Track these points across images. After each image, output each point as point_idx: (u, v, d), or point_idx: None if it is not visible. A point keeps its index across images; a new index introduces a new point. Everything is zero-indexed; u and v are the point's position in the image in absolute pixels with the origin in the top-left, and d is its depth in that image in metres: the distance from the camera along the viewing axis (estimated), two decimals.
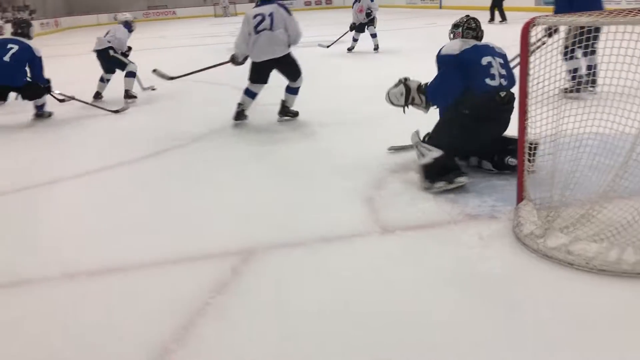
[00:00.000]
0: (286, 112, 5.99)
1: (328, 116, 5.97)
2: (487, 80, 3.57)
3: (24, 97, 6.58)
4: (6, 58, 6.24)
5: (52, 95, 6.71)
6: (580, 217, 2.87)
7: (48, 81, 6.64)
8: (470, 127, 3.56)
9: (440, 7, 26.96)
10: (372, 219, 3.27)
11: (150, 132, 5.88)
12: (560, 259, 2.57)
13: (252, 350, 2.16)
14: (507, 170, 3.70)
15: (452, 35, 3.95)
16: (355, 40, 11.84)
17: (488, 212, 3.22)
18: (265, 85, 5.81)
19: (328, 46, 12.41)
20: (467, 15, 3.96)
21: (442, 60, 3.82)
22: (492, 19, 16.17)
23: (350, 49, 11.99)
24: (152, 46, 16.18)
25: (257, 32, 5.54)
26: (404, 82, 4.15)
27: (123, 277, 2.82)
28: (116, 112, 6.99)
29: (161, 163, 4.81)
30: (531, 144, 3.06)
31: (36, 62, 6.44)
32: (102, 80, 7.93)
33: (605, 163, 3.09)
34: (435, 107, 4.00)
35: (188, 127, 5.95)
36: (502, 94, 3.54)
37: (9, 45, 6.33)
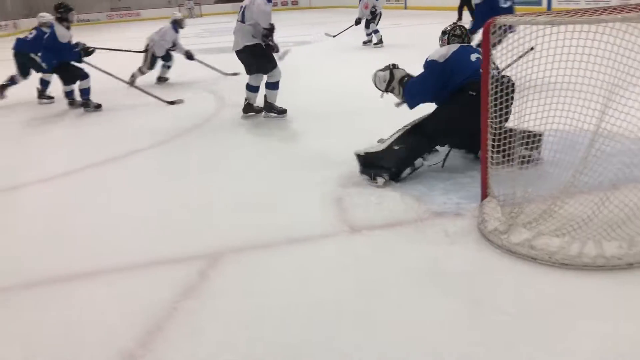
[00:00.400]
0: (270, 108, 5.95)
1: (297, 115, 5.97)
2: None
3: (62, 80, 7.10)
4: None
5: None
6: (542, 213, 2.93)
7: (79, 54, 6.96)
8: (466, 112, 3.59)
9: (405, 8, 27.20)
10: (340, 219, 3.28)
11: (113, 135, 5.79)
12: (524, 254, 2.62)
13: (221, 354, 2.14)
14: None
15: (440, 43, 4.09)
16: (368, 35, 12.49)
17: (453, 210, 3.26)
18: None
19: (334, 36, 13.53)
20: (454, 23, 4.10)
21: (428, 64, 3.92)
22: (459, 19, 16.39)
23: (366, 42, 12.61)
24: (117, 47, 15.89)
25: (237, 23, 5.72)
26: (392, 68, 4.19)
27: (86, 283, 2.77)
28: (172, 103, 7.12)
29: (123, 167, 4.73)
30: (536, 134, 3.15)
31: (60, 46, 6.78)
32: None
33: (565, 159, 3.16)
34: (405, 103, 4.08)
35: (151, 129, 5.88)
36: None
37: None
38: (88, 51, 7.05)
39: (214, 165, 4.58)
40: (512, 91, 3.53)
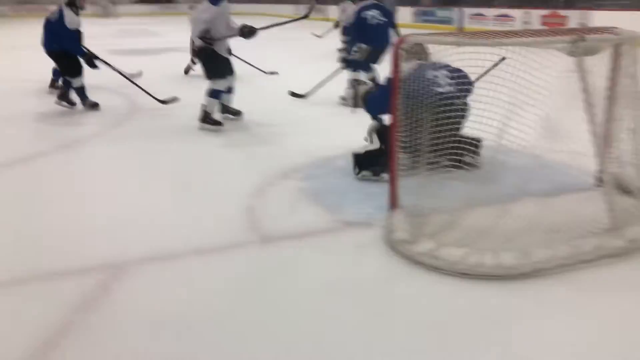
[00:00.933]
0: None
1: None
2: (436, 88, 3.83)
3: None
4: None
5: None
6: (446, 225, 3.05)
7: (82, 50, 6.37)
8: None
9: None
10: (251, 228, 3.26)
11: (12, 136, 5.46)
12: (428, 263, 2.71)
13: None
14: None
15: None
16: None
17: (364, 220, 3.33)
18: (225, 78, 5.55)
19: (320, 36, 13.23)
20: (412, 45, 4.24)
21: (388, 80, 3.94)
22: None
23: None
24: (24, 44, 15.04)
25: None
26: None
27: None
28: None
29: (25, 175, 4.47)
30: (476, 140, 3.31)
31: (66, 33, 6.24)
32: None
33: (470, 172, 3.31)
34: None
35: (51, 136, 5.60)
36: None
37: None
38: (92, 61, 6.42)
39: (119, 174, 4.40)
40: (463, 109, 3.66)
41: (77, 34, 6.31)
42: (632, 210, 3.01)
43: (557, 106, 3.02)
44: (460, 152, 3.48)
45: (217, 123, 5.58)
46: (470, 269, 2.63)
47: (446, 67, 4.03)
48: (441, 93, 3.79)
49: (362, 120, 4.26)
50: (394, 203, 3.26)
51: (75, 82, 6.53)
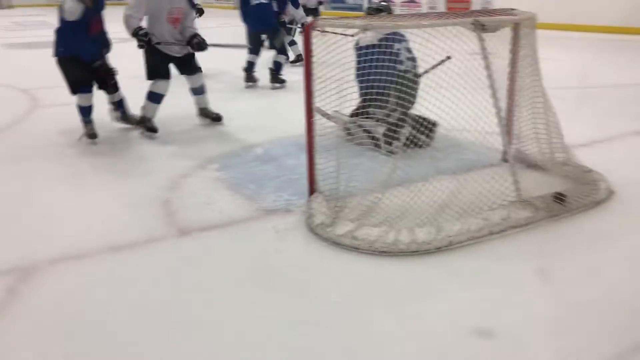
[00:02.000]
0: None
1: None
2: (398, 66, 3.89)
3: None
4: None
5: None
6: (364, 207, 3.11)
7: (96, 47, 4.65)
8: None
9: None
10: (168, 221, 3.18)
11: None
12: (347, 244, 2.76)
13: None
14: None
15: None
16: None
17: (283, 207, 3.32)
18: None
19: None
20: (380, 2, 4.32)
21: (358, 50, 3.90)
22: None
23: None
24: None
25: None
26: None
27: None
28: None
29: None
30: (432, 123, 3.53)
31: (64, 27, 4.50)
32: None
33: (383, 155, 3.38)
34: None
35: None
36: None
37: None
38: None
39: (22, 172, 4.14)
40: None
41: (80, 26, 4.47)
42: (535, 182, 3.20)
43: (464, 87, 3.15)
44: (418, 130, 3.57)
45: (152, 129, 4.87)
46: (388, 247, 2.70)
47: (406, 38, 4.14)
48: (402, 71, 3.86)
49: (275, 104, 4.22)
50: (312, 188, 3.28)
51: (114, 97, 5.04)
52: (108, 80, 4.66)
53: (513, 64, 3.50)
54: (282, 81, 6.94)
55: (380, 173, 3.30)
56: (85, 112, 4.67)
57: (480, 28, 2.97)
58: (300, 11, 8.43)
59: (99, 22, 4.62)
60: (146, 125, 4.88)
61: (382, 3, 4.69)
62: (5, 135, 5.14)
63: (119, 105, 4.99)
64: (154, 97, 4.84)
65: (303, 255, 2.78)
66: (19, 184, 3.85)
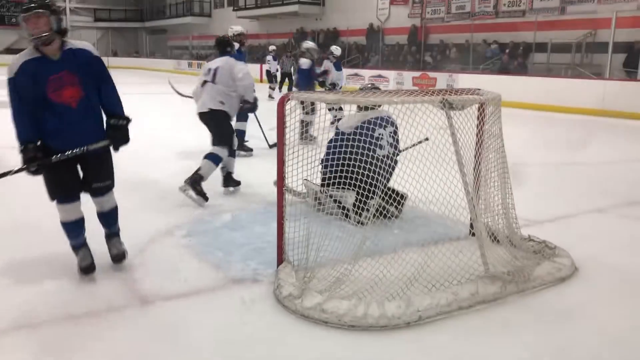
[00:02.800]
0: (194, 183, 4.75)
1: None
2: (377, 150, 3.97)
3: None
4: None
5: None
6: (333, 278, 3.07)
7: None
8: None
9: None
10: (130, 289, 3.07)
11: None
12: (316, 317, 2.70)
13: None
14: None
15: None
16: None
17: (251, 276, 3.26)
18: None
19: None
20: (372, 84, 4.35)
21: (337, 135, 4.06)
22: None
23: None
24: None
25: (202, 85, 5.11)
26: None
27: None
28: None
29: None
30: (401, 195, 3.54)
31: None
32: None
33: (352, 226, 3.39)
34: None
35: None
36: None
37: None
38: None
39: None
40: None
41: None
42: (503, 257, 3.23)
43: (432, 161, 3.22)
44: (387, 202, 3.59)
45: (203, 195, 4.73)
46: (357, 321, 2.65)
47: (392, 123, 4.21)
48: (381, 155, 3.92)
49: (247, 172, 4.21)
50: (281, 257, 3.24)
51: None
52: None
53: (479, 140, 3.61)
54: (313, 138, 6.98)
55: (349, 243, 3.29)
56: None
57: (449, 106, 3.08)
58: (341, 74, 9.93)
59: None
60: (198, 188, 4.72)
61: (373, 84, 4.84)
62: None
63: None
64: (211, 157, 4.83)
65: (270, 328, 2.70)
66: None
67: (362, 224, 3.53)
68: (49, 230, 4.05)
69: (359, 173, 3.58)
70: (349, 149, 3.84)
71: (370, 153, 3.85)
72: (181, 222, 4.19)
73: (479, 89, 3.56)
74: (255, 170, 6.06)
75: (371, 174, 3.46)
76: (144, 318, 2.78)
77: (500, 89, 3.65)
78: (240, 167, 6.32)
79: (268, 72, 16.67)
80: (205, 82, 5.08)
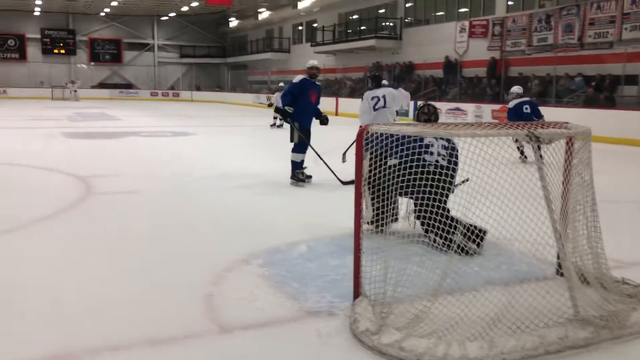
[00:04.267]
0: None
1: (172, 203, 5.77)
2: (426, 156, 4.03)
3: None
4: None
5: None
6: (412, 314, 2.98)
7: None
8: None
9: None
10: (209, 317, 3.11)
11: None
12: (393, 355, 2.62)
13: None
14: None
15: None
16: None
17: (326, 308, 3.22)
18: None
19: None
20: (425, 101, 4.53)
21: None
22: None
23: None
24: None
25: (375, 110, 7.16)
26: None
27: None
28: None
29: None
30: (481, 230, 3.47)
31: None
32: None
33: (433, 260, 3.30)
34: None
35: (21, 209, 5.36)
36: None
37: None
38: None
39: (69, 256, 4.20)
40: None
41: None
42: (594, 299, 3.03)
43: (517, 196, 3.09)
44: (451, 232, 3.50)
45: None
46: None
47: (448, 140, 4.24)
48: (432, 161, 3.92)
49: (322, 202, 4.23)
50: (357, 291, 3.19)
51: None
52: None
53: (567, 175, 3.45)
54: None
55: (428, 279, 3.20)
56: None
57: (536, 140, 2.96)
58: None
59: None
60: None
61: (428, 103, 4.86)
62: (59, 220, 5.28)
63: None
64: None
65: None
66: (64, 269, 3.88)
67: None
68: (138, 257, 4.21)
69: (404, 175, 3.56)
70: (394, 149, 3.84)
71: (418, 156, 3.87)
72: (257, 251, 4.23)
73: (567, 122, 3.41)
74: (329, 201, 6.08)
75: (418, 179, 3.42)
76: (222, 346, 2.80)
77: (587, 123, 3.48)
78: (315, 198, 6.38)
79: None
80: (376, 108, 7.15)
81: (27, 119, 18.77)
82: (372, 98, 7.21)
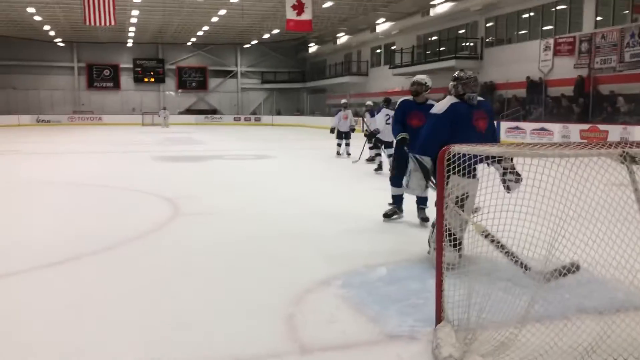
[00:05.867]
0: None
1: (254, 225, 5.92)
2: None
3: None
4: None
5: None
6: (497, 341, 2.87)
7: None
8: None
9: None
10: (291, 337, 3.14)
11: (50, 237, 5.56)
12: None
13: None
14: None
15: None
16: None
17: (408, 332, 3.17)
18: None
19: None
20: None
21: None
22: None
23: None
24: (75, 150, 15.87)
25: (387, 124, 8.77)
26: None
27: None
28: None
29: (53, 280, 4.49)
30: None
31: None
32: None
33: (520, 285, 3.17)
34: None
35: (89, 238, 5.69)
36: None
37: None
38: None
39: (150, 277, 4.37)
40: None
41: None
42: None
43: (610, 219, 2.93)
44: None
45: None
46: None
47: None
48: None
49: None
50: (439, 316, 3.12)
51: None
52: None
53: None
54: None
55: (514, 306, 3.07)
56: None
57: (630, 160, 2.80)
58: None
59: None
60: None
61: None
62: (150, 239, 5.54)
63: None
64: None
65: None
66: (156, 289, 4.05)
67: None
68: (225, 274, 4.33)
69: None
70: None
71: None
72: (337, 273, 4.23)
73: None
74: (410, 223, 6.00)
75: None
76: None
77: None
78: (396, 221, 6.32)
79: None
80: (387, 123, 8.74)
81: (120, 143, 19.93)
82: (386, 115, 9.63)
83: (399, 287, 3.93)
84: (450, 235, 3.65)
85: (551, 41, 19.68)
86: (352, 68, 36.09)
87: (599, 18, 18.34)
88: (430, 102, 5.71)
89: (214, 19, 31.65)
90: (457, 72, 4.42)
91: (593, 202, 3.16)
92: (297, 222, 6.22)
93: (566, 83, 18.68)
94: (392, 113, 8.19)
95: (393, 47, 30.88)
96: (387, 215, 6.19)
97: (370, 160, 12.23)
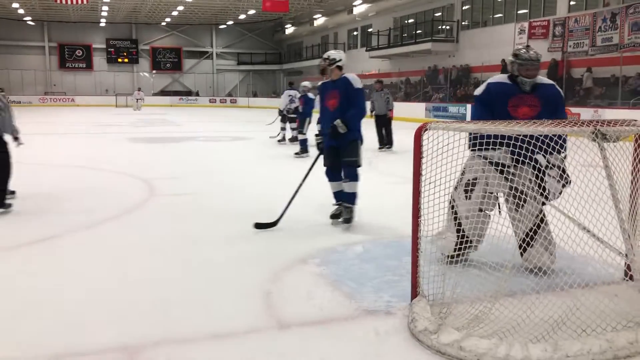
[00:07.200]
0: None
1: (230, 204, 5.90)
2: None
3: None
4: None
5: None
6: (471, 315, 2.94)
7: None
8: None
9: None
10: (269, 313, 3.17)
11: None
12: (453, 355, 2.59)
13: None
14: None
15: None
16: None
17: (384, 308, 3.22)
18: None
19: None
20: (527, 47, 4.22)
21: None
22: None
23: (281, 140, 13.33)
24: (47, 131, 15.57)
25: None
26: None
27: None
28: None
29: (33, 258, 4.44)
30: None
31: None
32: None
33: (493, 261, 3.23)
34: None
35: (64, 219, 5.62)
36: None
37: None
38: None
39: (137, 254, 4.36)
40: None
41: None
42: None
43: (582, 196, 3.00)
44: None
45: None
46: None
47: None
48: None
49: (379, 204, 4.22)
50: (415, 292, 3.17)
51: None
52: None
53: (635, 175, 3.31)
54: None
55: (488, 282, 3.14)
56: None
57: (602, 137, 2.87)
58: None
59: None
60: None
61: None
62: (127, 219, 5.50)
63: None
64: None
65: None
66: (136, 267, 4.03)
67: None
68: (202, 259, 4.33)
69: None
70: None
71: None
72: (314, 252, 4.26)
73: (635, 120, 3.28)
74: (384, 202, 6.05)
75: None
76: (282, 342, 2.84)
77: None
78: (371, 199, 6.37)
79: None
80: None
81: (95, 125, 19.59)
82: (289, 96, 12.31)
83: (375, 265, 3.97)
84: (456, 220, 3.65)
85: (526, 24, 19.87)
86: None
87: (572, 2, 18.55)
88: (344, 75, 5.09)
89: None
90: (520, 48, 4.14)
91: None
92: (275, 201, 6.21)
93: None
94: (294, 94, 9.72)
95: (370, 30, 30.81)
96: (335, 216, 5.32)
97: (293, 140, 12.29)
